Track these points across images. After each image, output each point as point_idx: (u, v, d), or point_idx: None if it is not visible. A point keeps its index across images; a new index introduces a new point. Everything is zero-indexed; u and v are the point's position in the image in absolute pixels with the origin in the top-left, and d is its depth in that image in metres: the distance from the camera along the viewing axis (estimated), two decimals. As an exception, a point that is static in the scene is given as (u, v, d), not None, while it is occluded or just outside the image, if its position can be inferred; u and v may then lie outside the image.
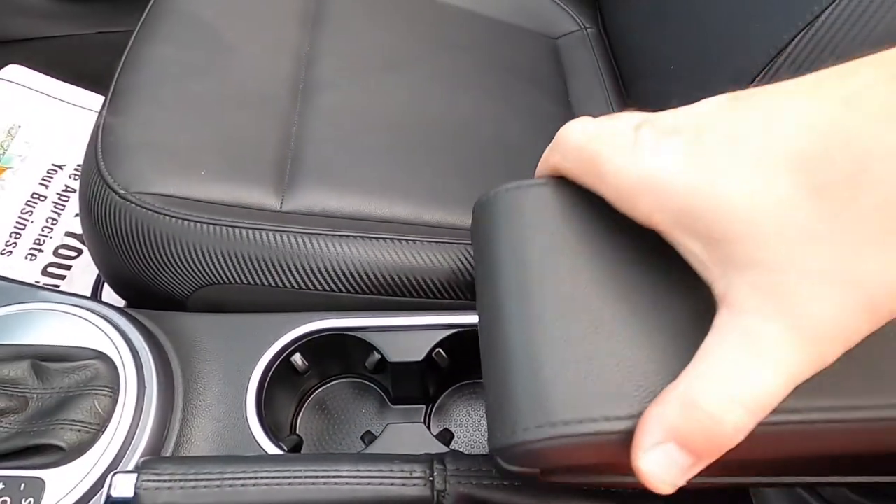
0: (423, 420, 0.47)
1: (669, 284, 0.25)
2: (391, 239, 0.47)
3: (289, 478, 0.29)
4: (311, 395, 0.48)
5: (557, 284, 0.25)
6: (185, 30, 0.58)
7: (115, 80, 0.53)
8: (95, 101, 0.85)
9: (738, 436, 0.21)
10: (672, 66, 0.57)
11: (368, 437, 0.45)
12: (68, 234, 0.77)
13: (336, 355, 0.45)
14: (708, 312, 0.23)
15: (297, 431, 0.46)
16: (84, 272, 0.74)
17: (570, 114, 0.66)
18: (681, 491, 0.25)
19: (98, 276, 0.72)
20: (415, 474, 0.30)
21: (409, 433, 0.41)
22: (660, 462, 0.22)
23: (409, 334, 0.43)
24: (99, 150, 0.48)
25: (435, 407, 0.48)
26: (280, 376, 0.44)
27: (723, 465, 0.26)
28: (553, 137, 0.27)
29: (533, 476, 0.26)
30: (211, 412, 0.40)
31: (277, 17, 0.62)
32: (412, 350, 0.43)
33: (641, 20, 0.64)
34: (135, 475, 0.28)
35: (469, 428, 0.47)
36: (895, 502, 0.34)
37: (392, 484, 0.30)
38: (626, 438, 0.22)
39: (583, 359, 0.23)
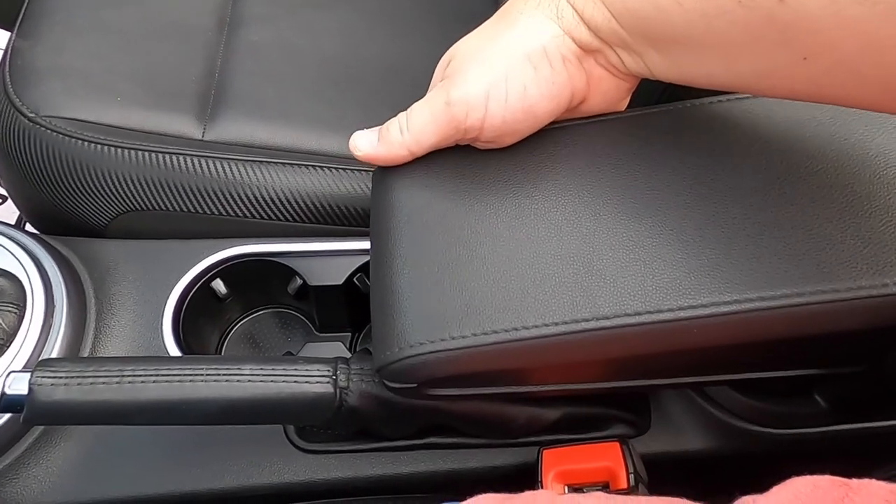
0: (349, 347, 0.47)
1: (521, 221, 0.30)
2: (314, 166, 0.47)
3: (189, 375, 0.29)
4: (236, 326, 0.48)
5: (421, 237, 0.30)
6: (104, -43, 0.56)
7: (25, 4, 0.51)
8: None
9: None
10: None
11: (289, 359, 0.45)
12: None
13: (258, 281, 0.45)
14: (548, 236, 0.29)
15: (222, 360, 0.46)
16: (6, 218, 0.72)
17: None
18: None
19: (19, 216, 0.70)
20: (318, 372, 0.31)
21: (327, 350, 0.41)
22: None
23: (330, 259, 0.44)
24: (6, 74, 0.46)
25: (361, 336, 0.49)
26: (201, 303, 0.43)
27: (622, 368, 0.29)
28: None
29: (413, 391, 0.29)
30: (126, 333, 0.40)
31: (205, -51, 0.60)
32: (333, 274, 0.43)
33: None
34: (29, 373, 0.28)
35: (393, 354, 0.48)
36: (771, 397, 0.37)
37: (295, 381, 0.30)
38: (469, 353, 0.27)
39: (433, 293, 0.28)
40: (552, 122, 0.32)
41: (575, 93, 0.31)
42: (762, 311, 0.25)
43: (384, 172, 0.33)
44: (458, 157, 0.32)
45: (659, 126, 0.32)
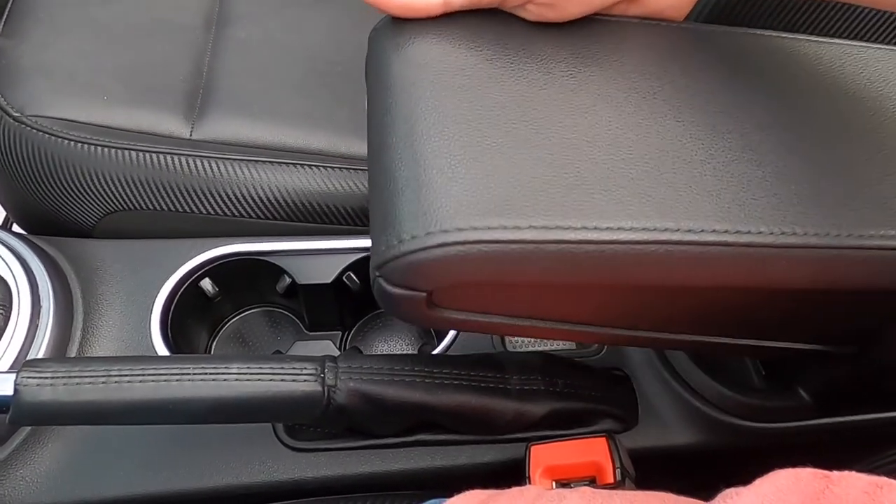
0: (338, 346, 0.47)
1: (570, 109, 0.25)
2: (303, 165, 0.47)
3: (177, 375, 0.29)
4: (225, 325, 0.48)
5: (455, 103, 0.25)
6: (90, -45, 0.55)
7: (10, 2, 0.50)
8: None
9: None
10: None
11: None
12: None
13: (247, 280, 0.45)
14: (606, 134, 0.25)
15: (211, 359, 0.46)
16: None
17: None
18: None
19: (6, 216, 0.70)
20: (306, 371, 0.31)
21: (316, 349, 0.41)
22: None
23: (319, 258, 0.44)
24: (-9, 73, 0.46)
25: (350, 334, 0.49)
26: (190, 302, 0.43)
27: (673, 305, 0.26)
28: None
29: (418, 303, 0.23)
30: (114, 333, 0.40)
31: (192, -53, 0.60)
32: (322, 273, 0.43)
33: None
34: (14, 373, 0.28)
35: (383, 352, 0.48)
36: (756, 391, 0.38)
37: (283, 380, 0.30)
38: (527, 251, 0.22)
39: (479, 172, 0.23)
40: (612, 14, 0.29)
41: None
42: (857, 249, 0.23)
43: (399, 24, 0.27)
44: (500, 25, 0.27)
45: (727, 46, 0.29)
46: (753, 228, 0.23)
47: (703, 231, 0.23)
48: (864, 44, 0.30)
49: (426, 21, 0.27)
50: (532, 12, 0.27)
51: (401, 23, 0.27)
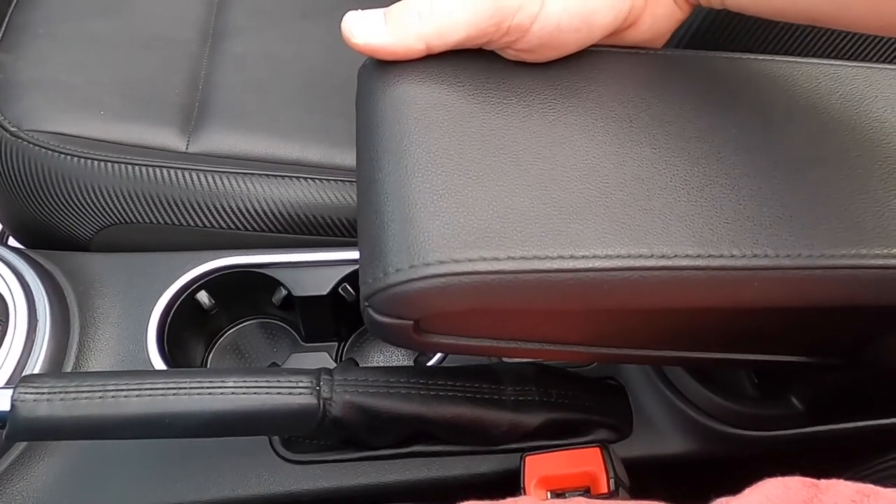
0: (334, 357, 0.48)
1: (549, 140, 0.26)
2: (299, 177, 0.47)
3: (173, 389, 0.29)
4: (222, 337, 0.48)
5: (437, 138, 0.26)
6: (87, -30, 0.56)
7: (7, 16, 0.51)
8: None
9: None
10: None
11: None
12: (-27, 191, 0.73)
13: (243, 293, 0.46)
14: (583, 164, 0.25)
15: (208, 371, 0.46)
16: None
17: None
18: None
19: (2, 229, 0.70)
20: (301, 384, 0.31)
21: (313, 361, 0.41)
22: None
23: (315, 269, 0.44)
24: (-12, 88, 0.46)
25: (347, 345, 0.49)
26: (186, 315, 0.43)
27: (652, 325, 0.27)
28: None
29: (406, 330, 0.24)
30: (110, 347, 0.40)
31: (187, -38, 0.61)
32: (318, 285, 0.44)
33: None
34: (11, 389, 0.28)
35: (378, 364, 0.48)
36: (750, 399, 0.38)
37: (279, 393, 0.30)
38: (505, 281, 0.23)
39: (460, 205, 0.24)
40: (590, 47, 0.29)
41: (633, 9, 0.28)
42: (830, 269, 0.24)
43: (383, 65, 0.28)
44: (482, 61, 0.28)
45: (702, 71, 0.30)
46: (726, 252, 0.24)
47: (675, 256, 0.23)
48: (840, 62, 0.31)
49: (411, 60, 0.27)
50: (511, 55, 0.28)
51: (387, 62, 0.28)
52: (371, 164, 0.26)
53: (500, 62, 0.29)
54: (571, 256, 0.23)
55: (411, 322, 0.24)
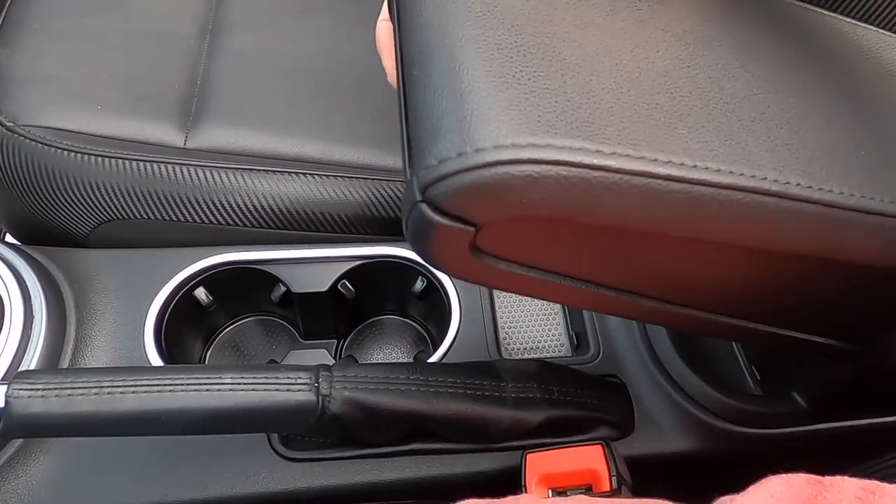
0: (333, 354, 0.47)
1: (640, 40, 0.24)
2: (298, 173, 0.47)
3: (169, 385, 0.29)
4: (220, 334, 0.48)
5: (523, 19, 0.22)
6: (84, -36, 0.55)
7: (4, 11, 0.50)
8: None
9: None
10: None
11: (273, 367, 0.45)
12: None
13: (241, 289, 0.45)
14: (679, 71, 0.22)
15: (206, 369, 0.46)
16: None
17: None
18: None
19: None
20: (300, 380, 0.30)
21: (311, 358, 0.41)
22: None
23: (314, 266, 0.44)
24: (-16, 83, 0.45)
25: (346, 342, 0.49)
26: (184, 311, 0.43)
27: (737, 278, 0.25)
28: None
29: (462, 241, 0.20)
30: (107, 343, 0.40)
31: (186, -43, 0.60)
32: (317, 281, 0.43)
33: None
34: (5, 385, 0.28)
35: (378, 360, 0.48)
36: (753, 397, 0.37)
37: (277, 390, 0.30)
38: (609, 181, 0.19)
39: (553, 90, 0.20)
40: None
41: None
42: None
43: None
44: None
45: (778, 12, 0.29)
46: (836, 188, 0.22)
47: (788, 184, 0.21)
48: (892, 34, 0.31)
49: None
50: None
51: None
52: (430, 31, 0.22)
53: None
54: (683, 164, 0.20)
55: (472, 229, 0.19)
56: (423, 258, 0.21)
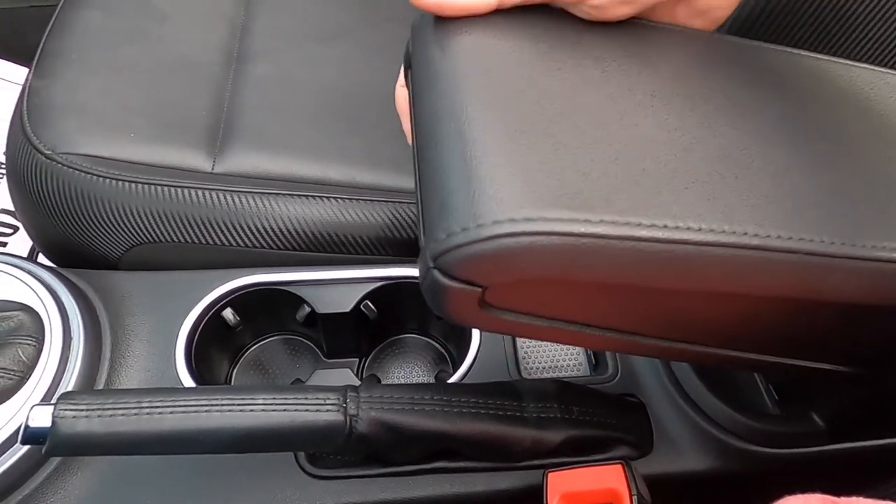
0: (356, 372, 0.48)
1: (628, 107, 0.25)
2: (322, 197, 0.48)
3: (206, 405, 0.30)
4: (246, 353, 0.49)
5: (512, 94, 0.24)
6: (116, -3, 0.58)
7: (42, 43, 0.53)
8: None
9: None
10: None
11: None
12: (3, 210, 0.76)
13: (267, 310, 0.47)
14: (665, 135, 0.24)
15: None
16: (18, 249, 0.73)
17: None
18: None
19: (32, 247, 0.72)
20: (328, 401, 0.32)
21: (335, 377, 0.42)
22: None
23: (338, 287, 0.45)
24: (24, 112, 0.48)
25: (368, 361, 0.50)
26: (212, 331, 0.45)
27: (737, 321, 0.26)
28: None
29: (471, 300, 0.22)
30: (140, 363, 0.41)
31: (212, -13, 0.63)
32: (340, 302, 0.45)
33: None
34: (52, 406, 0.29)
35: (399, 380, 0.49)
36: (771, 417, 0.38)
37: (307, 410, 0.31)
38: (597, 246, 0.21)
39: (544, 163, 0.22)
40: (656, 19, 0.29)
41: None
42: None
43: (444, 20, 0.27)
44: (550, 21, 0.27)
45: (763, 61, 0.30)
46: (816, 237, 0.23)
47: (769, 237, 0.23)
48: (888, 70, 0.31)
49: (472, 17, 0.27)
50: (583, 11, 0.28)
51: (443, 18, 0.27)
52: (433, 118, 0.24)
53: (570, 23, 0.27)
54: (665, 227, 0.22)
55: (480, 289, 0.22)
56: (437, 313, 0.24)
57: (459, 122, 0.23)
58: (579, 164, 0.22)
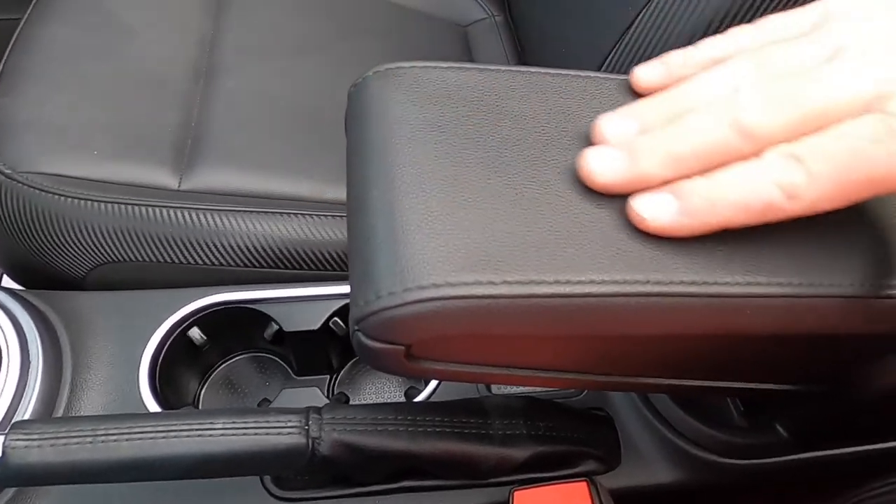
0: (325, 391, 0.48)
1: (542, 164, 0.26)
2: (289, 213, 0.48)
3: (163, 432, 0.30)
4: (214, 372, 0.48)
5: (431, 159, 0.25)
6: (82, 12, 0.57)
7: (4, 59, 0.52)
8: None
9: None
10: (564, 50, 0.60)
11: (265, 405, 0.46)
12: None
13: (234, 329, 0.46)
14: (577, 189, 0.25)
15: (201, 407, 0.47)
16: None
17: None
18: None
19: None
20: (290, 423, 0.31)
21: (304, 396, 0.42)
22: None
23: (305, 304, 0.45)
24: (-17, 131, 0.47)
25: (339, 377, 0.49)
26: (178, 351, 0.44)
27: (646, 352, 0.27)
28: None
29: (397, 356, 0.24)
30: (102, 387, 0.40)
31: (180, 2, 0.62)
32: (308, 319, 0.44)
33: (541, 7, 0.67)
34: (2, 436, 0.28)
35: (370, 396, 0.49)
36: (736, 429, 0.38)
37: (267, 434, 0.31)
38: (501, 306, 0.22)
39: (454, 228, 0.23)
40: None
41: None
42: (820, 298, 0.24)
43: (379, 82, 0.28)
44: (472, 81, 0.28)
45: None
46: (720, 279, 0.24)
47: (671, 283, 0.23)
48: None
49: (404, 80, 0.28)
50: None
51: (380, 81, 0.28)
52: (361, 184, 0.26)
53: (496, 85, 0.28)
54: (567, 282, 0.23)
55: (403, 347, 0.24)
56: (371, 367, 0.25)
57: (375, 194, 0.25)
58: (489, 228, 0.24)
